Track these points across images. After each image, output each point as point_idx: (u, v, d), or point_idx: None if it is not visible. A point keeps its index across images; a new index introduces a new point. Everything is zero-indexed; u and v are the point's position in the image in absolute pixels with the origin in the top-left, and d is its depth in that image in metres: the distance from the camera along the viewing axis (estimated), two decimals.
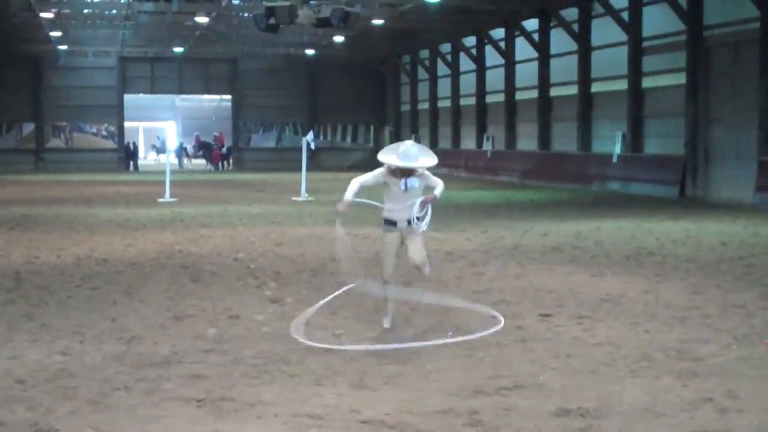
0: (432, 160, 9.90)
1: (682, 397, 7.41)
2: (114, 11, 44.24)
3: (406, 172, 9.80)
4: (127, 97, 61.78)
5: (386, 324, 10.14)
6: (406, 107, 61.23)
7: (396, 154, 9.73)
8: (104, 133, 61.28)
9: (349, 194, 9.88)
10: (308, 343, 9.14)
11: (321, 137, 61.44)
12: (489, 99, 48.51)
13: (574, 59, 38.82)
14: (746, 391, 7.59)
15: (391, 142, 62.42)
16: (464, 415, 6.97)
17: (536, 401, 7.33)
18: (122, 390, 7.72)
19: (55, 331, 10.11)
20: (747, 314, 10.84)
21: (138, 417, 7.02)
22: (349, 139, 66.38)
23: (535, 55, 42.15)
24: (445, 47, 53.00)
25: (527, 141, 44.00)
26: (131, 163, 60.83)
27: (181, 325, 10.43)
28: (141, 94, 63.89)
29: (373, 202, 10.07)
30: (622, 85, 35.30)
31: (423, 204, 9.93)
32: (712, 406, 7.18)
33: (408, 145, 9.80)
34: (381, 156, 9.91)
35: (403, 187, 9.80)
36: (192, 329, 10.20)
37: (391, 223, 9.97)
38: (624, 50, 35.05)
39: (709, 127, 30.75)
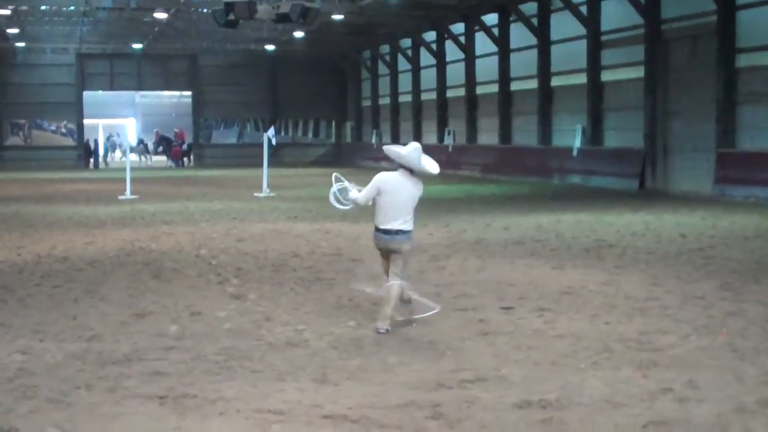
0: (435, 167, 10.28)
1: (642, 388, 7.47)
2: (72, 7, 43.86)
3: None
4: (86, 94, 61.32)
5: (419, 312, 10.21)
6: (367, 102, 61.18)
7: (413, 156, 9.98)
8: (63, 130, 60.72)
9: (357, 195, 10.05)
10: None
11: (282, 133, 61.26)
12: (449, 93, 48.60)
13: (533, 53, 39.00)
14: (705, 381, 7.66)
15: (353, 137, 62.97)
16: (426, 408, 6.99)
17: (498, 393, 7.36)
18: (83, 388, 7.67)
19: (15, 329, 10.02)
20: (706, 305, 10.94)
21: (99, 415, 6.98)
22: (310, 134, 66.30)
23: (495, 49, 42.31)
24: (406, 42, 53.03)
25: (488, 135, 44.14)
26: (91, 160, 60.43)
27: (142, 323, 10.37)
28: (100, 91, 63.47)
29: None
30: (582, 78, 35.52)
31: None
32: (672, 396, 7.24)
33: (417, 147, 10.12)
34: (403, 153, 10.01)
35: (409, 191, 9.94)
36: (153, 326, 10.15)
37: (385, 232, 9.91)
38: (583, 44, 35.29)
39: (667, 119, 31.02)
